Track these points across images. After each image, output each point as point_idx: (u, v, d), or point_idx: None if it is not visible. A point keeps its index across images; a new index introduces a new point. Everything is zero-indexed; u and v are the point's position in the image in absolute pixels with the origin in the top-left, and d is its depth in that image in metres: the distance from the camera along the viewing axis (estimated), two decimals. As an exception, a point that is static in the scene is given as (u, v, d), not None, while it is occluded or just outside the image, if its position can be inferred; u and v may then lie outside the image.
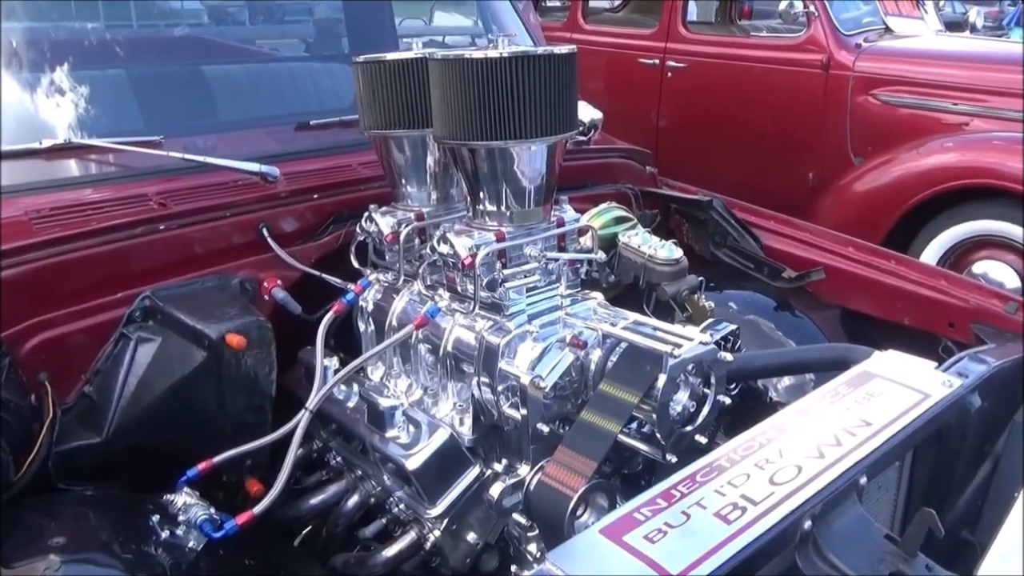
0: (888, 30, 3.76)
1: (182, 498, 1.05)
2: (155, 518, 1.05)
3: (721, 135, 3.82)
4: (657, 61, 4.10)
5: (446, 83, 1.09)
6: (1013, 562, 0.87)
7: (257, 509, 1.06)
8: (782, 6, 3.50)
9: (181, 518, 1.04)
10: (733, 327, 1.38)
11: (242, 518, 1.05)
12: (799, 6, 3.52)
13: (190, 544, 1.04)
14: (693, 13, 4.64)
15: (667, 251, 1.48)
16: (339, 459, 1.36)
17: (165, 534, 1.03)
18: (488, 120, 1.07)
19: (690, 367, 1.07)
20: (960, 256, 3.14)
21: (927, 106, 3.33)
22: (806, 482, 0.88)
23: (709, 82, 3.89)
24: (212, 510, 1.05)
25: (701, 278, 1.52)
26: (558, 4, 4.92)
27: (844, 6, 3.74)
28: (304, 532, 1.34)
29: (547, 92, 1.07)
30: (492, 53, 1.05)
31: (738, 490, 0.87)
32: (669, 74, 4.06)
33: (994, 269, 3.10)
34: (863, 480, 0.92)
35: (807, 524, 0.85)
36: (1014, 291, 2.92)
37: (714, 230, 1.85)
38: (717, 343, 1.17)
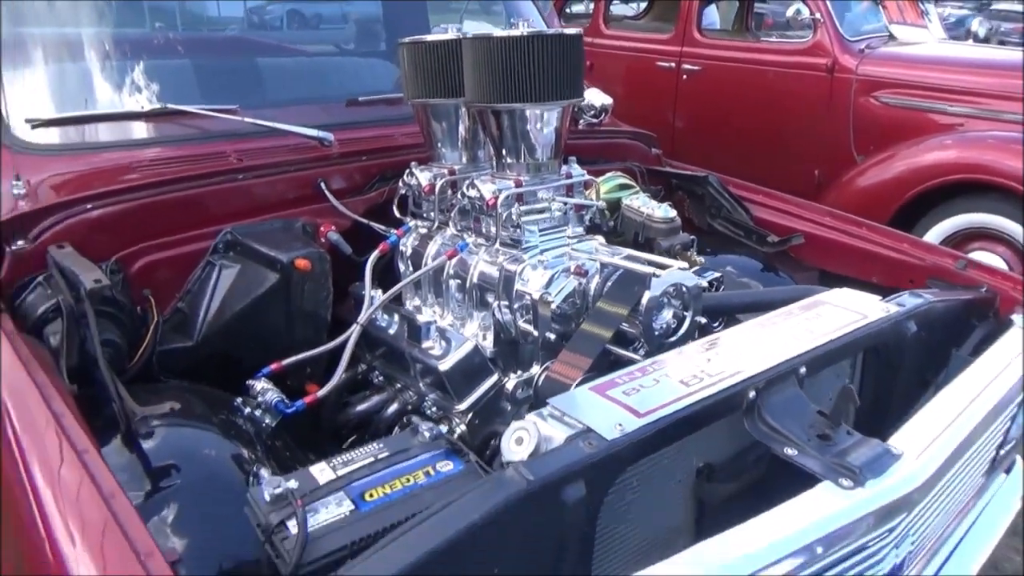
0: (892, 37, 3.98)
1: (261, 384, 1.32)
2: (238, 400, 1.32)
3: (732, 133, 4.06)
4: (673, 64, 4.35)
5: (476, 57, 1.35)
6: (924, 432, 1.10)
7: (320, 392, 1.32)
8: (789, 13, 3.73)
9: (260, 399, 1.30)
10: (718, 274, 1.62)
11: (308, 399, 1.31)
12: (806, 12, 3.75)
13: (267, 420, 1.30)
14: (716, 22, 4.90)
15: (663, 211, 1.73)
16: (381, 378, 1.61)
17: (247, 410, 1.29)
18: (509, 87, 1.33)
19: (671, 288, 1.32)
20: (954, 247, 3.34)
21: (925, 107, 3.54)
22: (753, 366, 1.12)
23: (722, 84, 4.14)
24: (283, 395, 1.31)
25: (693, 236, 1.77)
26: (581, 11, 5.18)
27: (850, 14, 3.97)
28: (350, 439, 1.59)
29: (557, 65, 1.33)
30: (514, 32, 1.31)
31: (698, 367, 1.11)
32: (684, 76, 4.31)
33: (986, 260, 3.28)
34: (802, 370, 1.16)
35: (751, 394, 1.08)
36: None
37: (710, 203, 2.09)
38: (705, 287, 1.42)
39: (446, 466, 0.99)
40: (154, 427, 1.12)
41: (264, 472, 1.00)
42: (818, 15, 3.77)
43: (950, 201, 3.33)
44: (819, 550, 0.91)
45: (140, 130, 1.59)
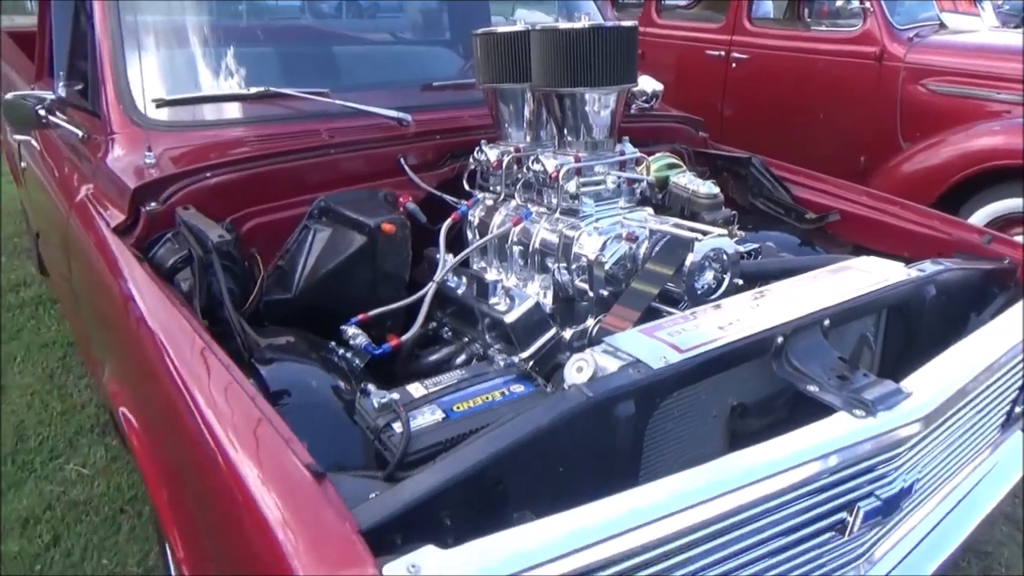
0: (943, 25, 4.03)
1: (352, 329, 1.53)
2: (332, 344, 1.53)
3: (779, 120, 4.16)
4: (723, 53, 4.46)
5: (543, 46, 1.53)
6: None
7: (404, 337, 1.52)
8: (839, 2, 3.82)
9: (352, 343, 1.51)
10: (756, 246, 1.78)
11: (393, 342, 1.51)
12: (855, 1, 3.83)
13: (356, 361, 1.51)
14: (770, 11, 4.98)
15: (707, 188, 1.89)
16: (450, 333, 1.81)
17: (341, 352, 1.50)
18: (572, 73, 1.51)
19: (711, 253, 1.49)
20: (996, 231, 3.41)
21: (971, 95, 3.60)
22: (782, 316, 1.28)
23: (770, 72, 4.24)
24: (370, 340, 1.52)
25: (735, 212, 1.93)
26: (634, 1, 5.31)
27: (904, 3, 4.03)
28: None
29: (614, 54, 1.51)
30: (577, 25, 1.49)
31: (734, 317, 1.28)
32: (733, 65, 4.42)
33: (1028, 244, 3.36)
34: (826, 322, 1.32)
35: (780, 340, 1.25)
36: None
37: (752, 183, 2.24)
38: (745, 255, 1.58)
39: (518, 388, 1.19)
40: (271, 358, 1.33)
41: (371, 386, 1.20)
42: (868, 4, 3.85)
43: (994, 187, 3.40)
44: (833, 461, 1.08)
45: (246, 110, 1.82)
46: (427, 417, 1.10)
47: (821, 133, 4.00)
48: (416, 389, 1.16)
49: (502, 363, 1.21)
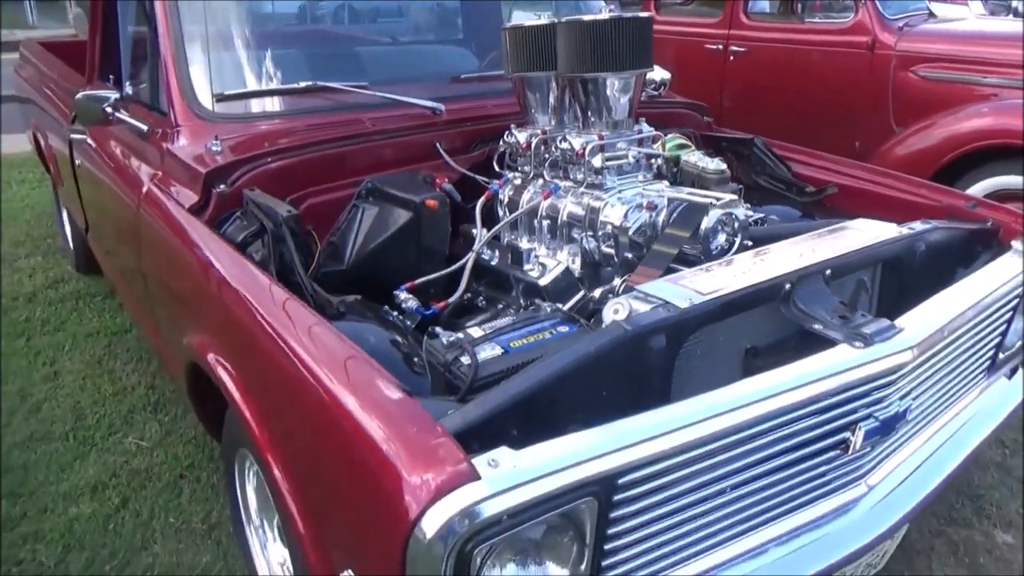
0: (931, 14, 4.22)
1: (403, 294, 1.71)
2: (385, 307, 1.71)
3: (777, 110, 4.34)
4: (721, 46, 4.65)
5: (569, 37, 1.71)
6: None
7: (451, 300, 1.70)
8: (831, -6, 4.01)
9: (403, 305, 1.69)
10: (762, 214, 1.97)
11: (440, 305, 1.69)
12: (847, -7, 4.03)
13: (408, 323, 1.69)
14: (766, 6, 5.16)
15: (715, 165, 2.07)
16: (484, 302, 1.99)
17: (394, 314, 1.68)
18: (596, 59, 1.69)
19: (723, 217, 1.67)
20: (985, 203, 3.59)
21: (960, 80, 3.79)
22: (788, 267, 1.46)
23: (767, 64, 4.43)
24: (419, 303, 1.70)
25: (741, 186, 2.11)
26: (633, -1, 5.50)
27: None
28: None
29: (632, 41, 1.69)
30: (600, 16, 1.67)
31: (746, 267, 1.46)
32: (731, 57, 4.61)
33: (1017, 220, 3.54)
34: (828, 272, 1.50)
35: (787, 286, 1.43)
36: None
37: (755, 162, 2.42)
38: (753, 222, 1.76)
39: (563, 328, 1.37)
40: (341, 312, 1.51)
41: (439, 329, 1.38)
42: (859, -5, 4.04)
43: (983, 166, 3.59)
44: (835, 383, 1.26)
45: (295, 103, 2.00)
46: (488, 352, 1.28)
47: (817, 120, 4.18)
48: (476, 331, 1.34)
49: (548, 308, 1.39)
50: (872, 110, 4.03)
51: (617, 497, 1.09)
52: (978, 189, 3.55)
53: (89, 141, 2.47)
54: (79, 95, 2.08)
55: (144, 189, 1.97)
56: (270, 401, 1.34)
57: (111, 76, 2.61)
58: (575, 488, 1.03)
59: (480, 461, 0.99)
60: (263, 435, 1.32)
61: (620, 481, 1.08)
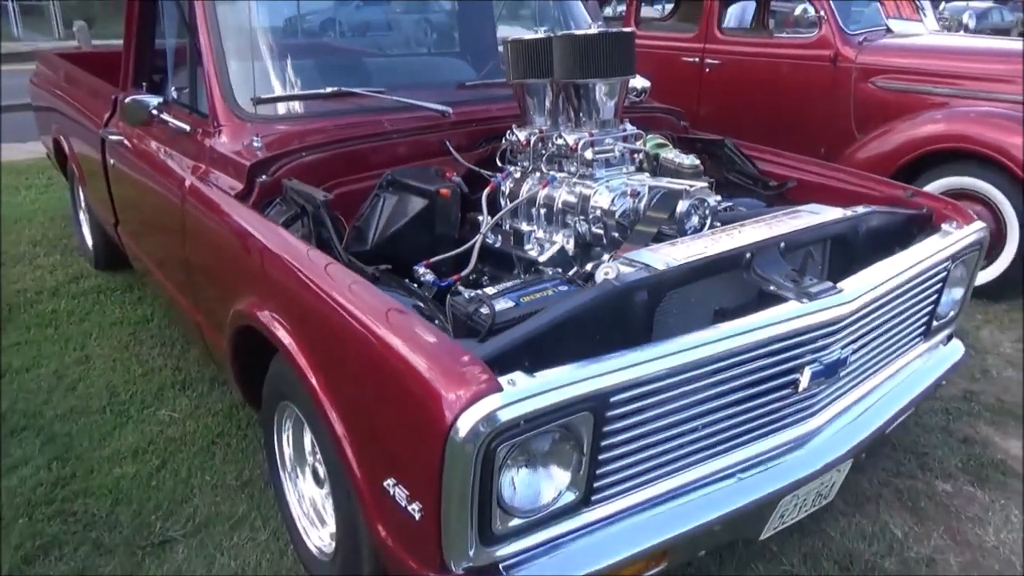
0: (889, 30, 4.57)
1: (422, 269, 1.98)
2: (407, 280, 1.98)
3: (749, 117, 4.67)
4: (697, 59, 4.99)
5: (564, 48, 2.00)
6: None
7: (462, 273, 1.97)
8: (797, 11, 4.34)
9: (421, 278, 1.96)
10: (731, 204, 2.26)
11: (455, 277, 1.97)
12: (811, 11, 4.37)
13: (425, 293, 1.96)
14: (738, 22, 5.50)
15: (690, 160, 2.36)
16: (489, 280, 2.25)
17: (415, 285, 1.95)
18: (587, 67, 1.98)
19: (696, 202, 1.96)
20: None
21: (914, 90, 4.14)
22: (749, 240, 1.75)
23: (739, 75, 4.77)
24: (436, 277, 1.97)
25: (712, 180, 2.40)
26: (614, 15, 5.83)
27: (851, 11, 4.57)
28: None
29: (618, 52, 1.99)
30: (590, 31, 1.96)
31: (714, 240, 1.75)
32: (707, 69, 4.94)
33: (966, 218, 3.87)
34: (782, 244, 1.79)
35: (748, 255, 1.72)
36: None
37: (726, 161, 2.72)
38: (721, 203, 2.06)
39: (564, 287, 1.65)
40: (374, 279, 1.78)
41: (461, 287, 1.65)
42: (822, 13, 4.39)
43: (936, 168, 3.92)
44: (785, 328, 1.55)
45: (322, 106, 2.27)
46: (503, 304, 1.55)
47: (786, 127, 4.51)
48: (491, 290, 1.62)
49: (550, 272, 1.66)
50: (835, 117, 4.37)
51: (609, 414, 1.37)
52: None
53: (125, 142, 2.72)
54: (128, 99, 2.34)
55: (187, 183, 2.23)
56: (320, 346, 1.61)
57: (144, 83, 2.88)
58: (575, 402, 1.31)
59: (501, 380, 1.27)
60: (314, 374, 1.58)
61: (611, 400, 1.36)
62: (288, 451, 2.06)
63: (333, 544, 1.89)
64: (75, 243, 4.35)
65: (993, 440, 2.67)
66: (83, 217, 4.10)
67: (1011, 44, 4.91)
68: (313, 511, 2.02)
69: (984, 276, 3.84)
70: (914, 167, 3.97)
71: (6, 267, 4.04)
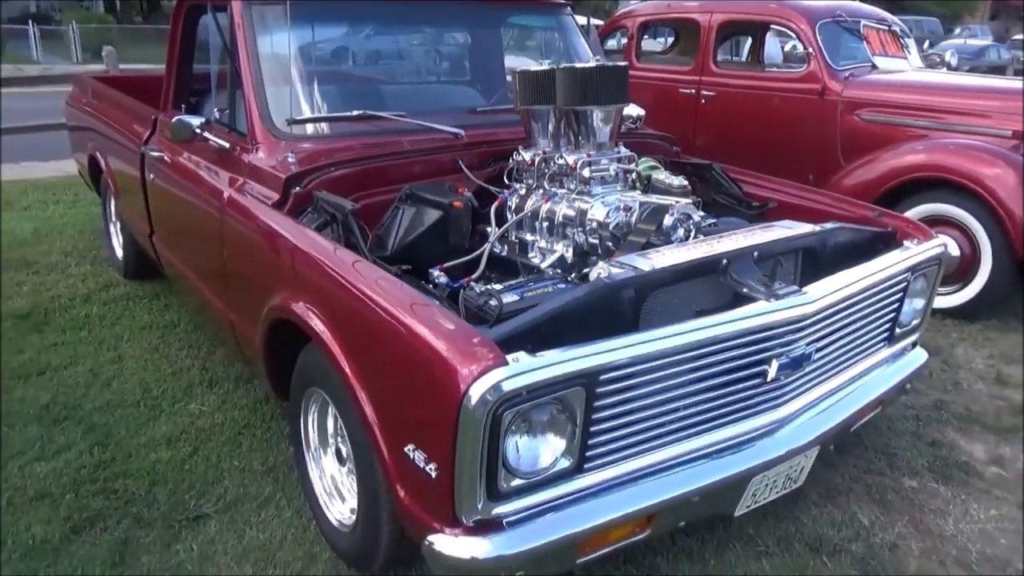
0: (874, 67, 4.86)
1: (437, 272, 2.22)
2: (423, 282, 2.22)
3: (742, 146, 4.93)
4: (694, 91, 5.27)
5: (566, 79, 2.26)
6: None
7: (473, 276, 2.21)
8: (787, 48, 4.63)
9: (436, 281, 2.20)
10: (714, 219, 2.51)
11: (466, 279, 2.20)
12: (800, 48, 4.66)
13: (439, 292, 2.19)
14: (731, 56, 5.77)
15: (679, 181, 2.61)
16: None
17: (430, 286, 2.19)
18: (586, 96, 2.24)
19: (682, 216, 2.20)
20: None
21: (896, 122, 4.41)
22: (726, 247, 1.99)
23: (733, 106, 5.05)
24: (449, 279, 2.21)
25: (700, 199, 2.65)
26: (616, 48, 6.14)
27: (840, 48, 4.86)
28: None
29: (613, 83, 2.25)
30: (589, 65, 2.23)
31: (693, 248, 1.99)
32: (703, 100, 5.23)
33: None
34: (756, 254, 2.03)
35: (724, 261, 1.96)
36: (954, 259, 3.98)
37: (713, 183, 2.97)
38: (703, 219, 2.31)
39: (561, 285, 1.89)
40: (397, 277, 2.02)
41: (472, 283, 1.89)
42: (810, 49, 4.68)
43: (916, 195, 4.17)
44: (756, 323, 1.78)
45: (350, 127, 2.53)
46: (509, 298, 1.80)
47: (776, 155, 4.77)
48: (497, 286, 1.86)
49: (550, 272, 1.90)
50: (823, 147, 4.64)
51: (599, 390, 1.60)
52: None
53: (166, 158, 2.99)
54: (174, 119, 2.60)
55: (226, 194, 2.48)
56: (350, 332, 1.84)
57: (183, 105, 3.15)
58: (569, 378, 1.54)
59: (507, 357, 1.50)
60: (345, 356, 1.82)
61: (601, 378, 1.59)
62: (312, 434, 2.28)
63: (353, 516, 2.11)
64: (104, 254, 4.61)
65: (959, 444, 2.88)
66: (113, 229, 4.36)
67: (988, 81, 5.22)
68: (333, 487, 2.24)
69: (959, 297, 4.08)
70: (896, 194, 4.22)
71: (40, 275, 4.29)
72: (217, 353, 3.39)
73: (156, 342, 3.52)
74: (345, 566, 2.15)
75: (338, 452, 2.21)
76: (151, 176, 3.16)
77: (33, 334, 3.56)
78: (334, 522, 2.19)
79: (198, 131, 2.57)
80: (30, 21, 19.83)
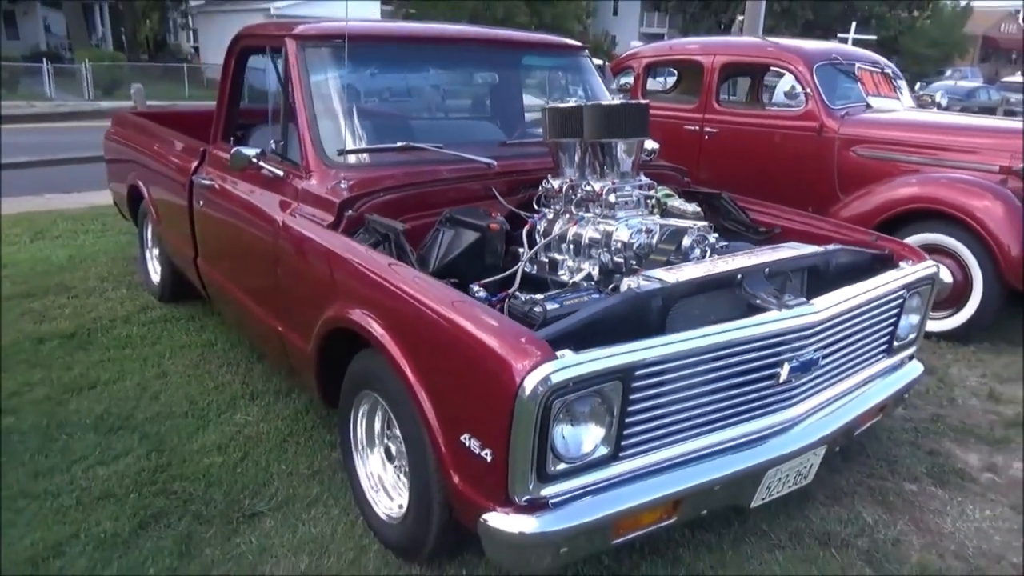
0: (869, 106, 5.15)
1: (476, 287, 2.44)
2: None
3: (744, 180, 5.17)
4: (698, 127, 5.56)
5: (593, 114, 2.52)
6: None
7: (509, 291, 2.44)
8: (786, 88, 4.93)
9: (476, 295, 2.42)
10: (726, 244, 2.75)
11: (503, 293, 2.43)
12: (799, 88, 4.96)
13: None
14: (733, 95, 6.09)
15: (693, 208, 2.86)
16: (525, 302, 2.72)
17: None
18: (611, 129, 2.50)
19: (699, 236, 2.44)
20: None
21: (891, 158, 4.69)
22: (740, 264, 2.23)
23: (734, 142, 5.34)
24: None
25: (711, 225, 2.89)
26: (623, 86, 6.45)
27: (836, 89, 5.16)
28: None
29: (635, 118, 2.50)
30: (613, 102, 2.48)
31: (712, 265, 2.22)
32: (706, 137, 5.52)
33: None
34: (767, 270, 2.26)
35: (739, 276, 2.19)
36: (947, 285, 4.22)
37: (722, 210, 3.22)
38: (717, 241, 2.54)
39: (596, 295, 2.12)
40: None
41: (518, 292, 2.12)
42: (808, 89, 4.98)
43: (911, 225, 4.43)
44: (768, 329, 2.01)
45: (392, 157, 2.78)
46: (551, 305, 2.02)
47: (777, 189, 5.01)
48: (538, 296, 2.09)
49: (584, 284, 2.13)
50: (821, 181, 4.91)
51: (633, 384, 1.82)
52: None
53: (216, 186, 3.23)
54: (233, 150, 2.85)
55: (281, 217, 2.72)
56: (410, 335, 2.06)
57: (231, 137, 3.41)
58: (608, 372, 1.76)
59: (556, 353, 1.72)
60: (404, 358, 2.03)
61: (636, 373, 1.81)
62: (361, 435, 2.49)
63: (401, 510, 2.30)
64: (138, 280, 4.83)
65: (955, 453, 3.09)
66: (149, 255, 4.59)
67: (976, 120, 5.52)
68: (380, 484, 2.43)
69: (953, 322, 4.31)
70: (891, 225, 4.47)
71: (80, 299, 4.51)
72: (255, 369, 3.60)
73: (197, 359, 3.72)
74: (394, 556, 2.33)
75: (386, 450, 2.41)
76: (200, 203, 3.40)
77: (79, 352, 3.76)
78: (382, 516, 2.39)
79: (254, 160, 2.81)
80: (44, 59, 20.32)
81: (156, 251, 4.49)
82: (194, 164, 3.52)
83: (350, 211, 2.51)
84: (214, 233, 3.37)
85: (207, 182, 3.30)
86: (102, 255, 5.45)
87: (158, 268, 4.47)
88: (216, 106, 3.45)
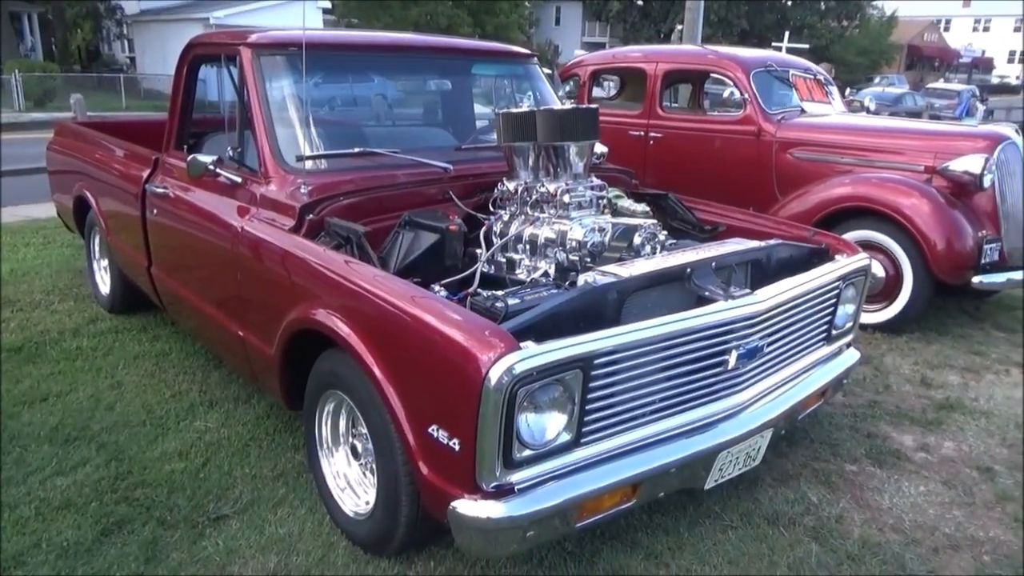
0: (803, 111, 5.40)
1: (437, 286, 2.51)
2: (425, 296, 2.51)
3: (688, 182, 5.34)
4: (642, 133, 5.74)
5: (545, 119, 2.62)
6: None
7: (469, 291, 2.51)
8: (725, 94, 5.14)
9: (439, 293, 2.49)
10: (674, 242, 2.88)
11: (463, 293, 2.50)
12: (737, 94, 5.17)
13: (441, 305, 2.49)
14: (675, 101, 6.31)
15: (642, 207, 2.99)
16: (484, 302, 2.80)
17: (432, 299, 2.48)
18: (563, 132, 2.60)
19: (649, 234, 2.56)
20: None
21: (825, 160, 4.92)
22: (688, 258, 2.35)
23: (678, 146, 5.52)
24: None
25: (659, 223, 3.02)
26: (569, 94, 6.60)
27: (772, 95, 5.39)
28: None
29: (585, 122, 2.61)
30: (566, 106, 2.59)
31: (662, 260, 2.34)
32: (651, 142, 5.69)
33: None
34: (713, 264, 2.39)
35: (688, 270, 2.32)
36: (879, 279, 4.45)
37: (669, 210, 3.36)
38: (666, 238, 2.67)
39: (554, 290, 2.21)
40: (405, 291, 2.31)
41: (480, 290, 2.20)
42: (746, 96, 5.19)
43: (845, 223, 4.65)
44: (716, 318, 2.13)
45: (352, 162, 2.83)
46: (512, 300, 2.11)
47: (719, 190, 5.17)
48: (502, 292, 2.17)
49: (544, 280, 2.22)
50: (760, 182, 5.13)
51: (593, 373, 1.92)
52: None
53: (171, 194, 3.23)
54: (189, 157, 2.86)
55: (239, 225, 2.75)
56: (375, 332, 2.12)
57: (184, 145, 3.41)
58: (569, 361, 1.85)
59: (519, 344, 1.81)
60: (371, 354, 2.09)
61: (595, 362, 1.90)
62: (326, 435, 2.53)
63: (367, 506, 2.35)
64: (85, 291, 4.75)
65: (891, 435, 3.28)
66: (97, 266, 4.52)
67: (903, 123, 5.81)
68: (347, 482, 2.48)
69: (886, 314, 4.55)
70: (827, 222, 4.68)
71: (25, 312, 4.42)
72: (213, 376, 3.59)
73: (152, 368, 3.70)
74: (362, 552, 2.38)
75: (352, 448, 2.46)
76: (153, 211, 3.39)
77: (28, 365, 3.70)
78: (349, 513, 2.43)
79: (211, 167, 2.83)
80: (-29, 70, 19.60)
81: (105, 262, 4.43)
82: (146, 173, 3.51)
83: (311, 215, 2.56)
84: (169, 241, 3.37)
85: (161, 190, 3.30)
86: (45, 268, 5.34)
87: (107, 279, 4.41)
88: (168, 114, 3.44)
